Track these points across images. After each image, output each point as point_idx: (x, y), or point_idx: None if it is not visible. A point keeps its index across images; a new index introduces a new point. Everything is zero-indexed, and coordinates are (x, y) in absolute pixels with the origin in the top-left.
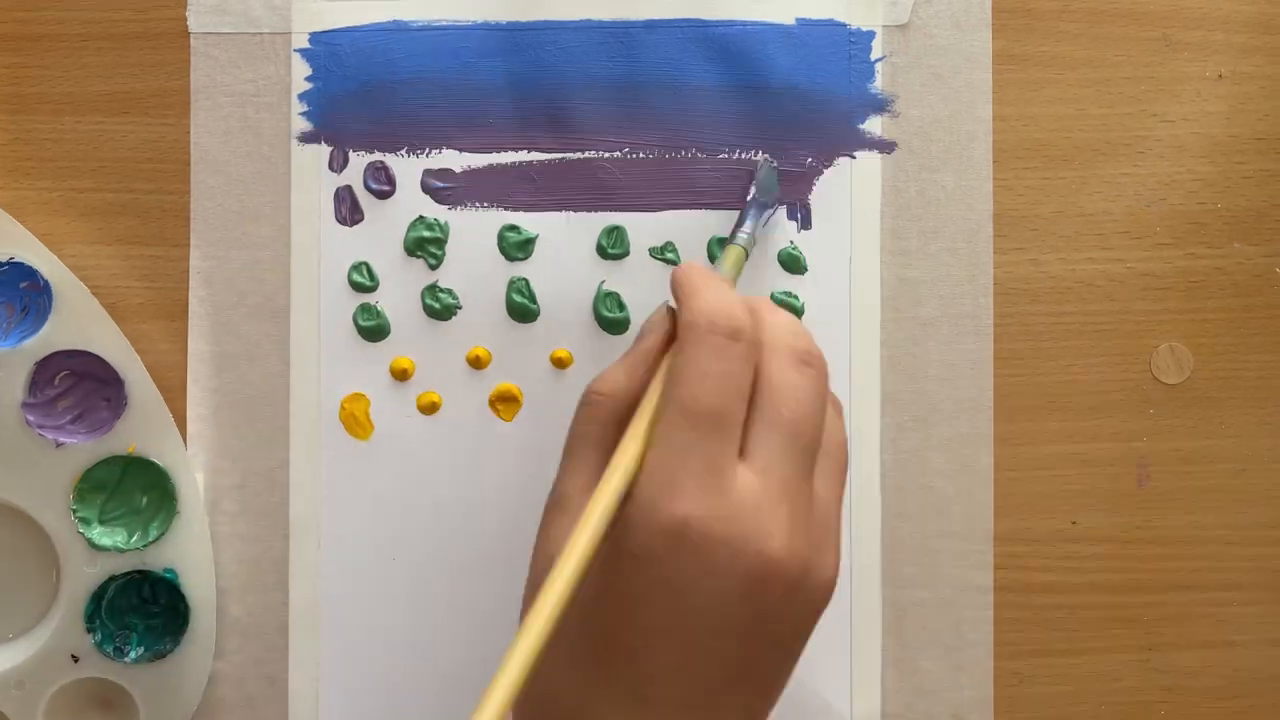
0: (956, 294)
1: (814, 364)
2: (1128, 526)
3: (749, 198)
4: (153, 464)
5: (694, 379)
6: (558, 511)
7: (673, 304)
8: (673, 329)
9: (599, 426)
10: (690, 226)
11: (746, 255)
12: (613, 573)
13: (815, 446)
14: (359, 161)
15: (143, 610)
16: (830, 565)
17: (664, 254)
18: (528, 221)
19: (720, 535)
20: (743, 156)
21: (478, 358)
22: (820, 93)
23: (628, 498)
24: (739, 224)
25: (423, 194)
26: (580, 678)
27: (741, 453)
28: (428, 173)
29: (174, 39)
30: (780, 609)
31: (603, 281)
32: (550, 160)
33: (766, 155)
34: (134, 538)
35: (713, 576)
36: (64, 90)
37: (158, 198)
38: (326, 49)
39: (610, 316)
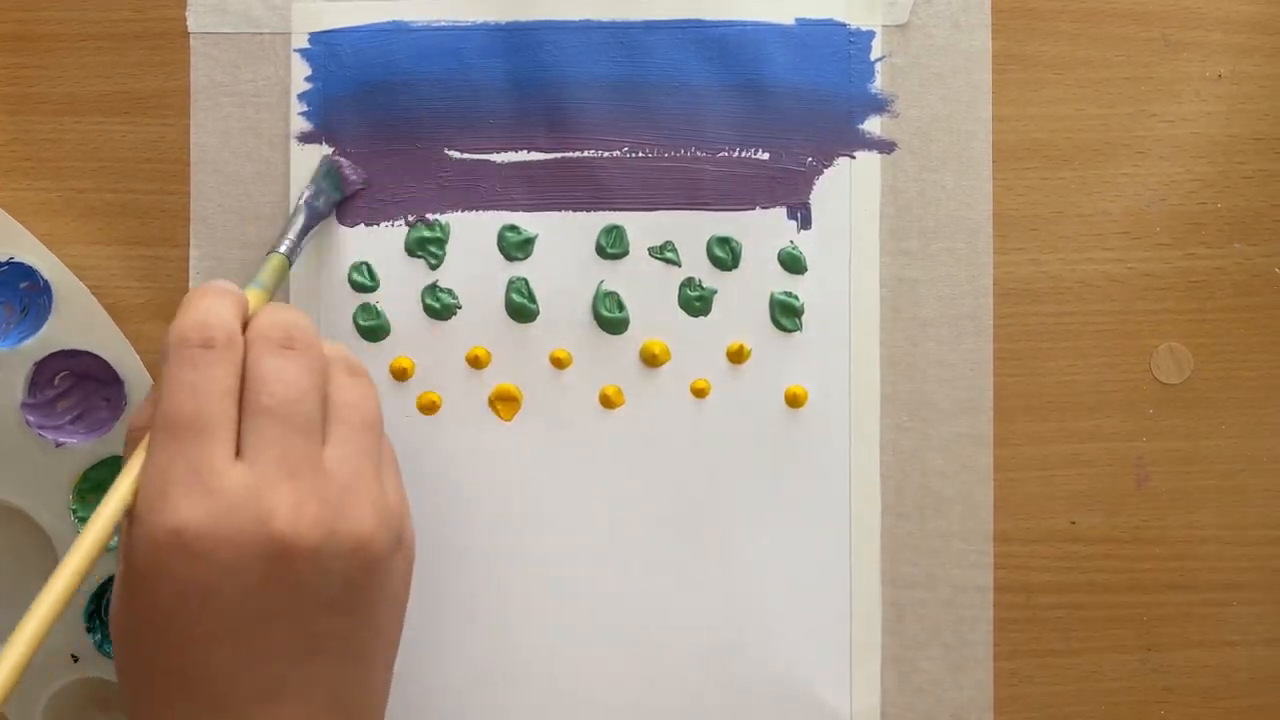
0: (956, 294)
1: (295, 344)
2: (1127, 527)
3: (300, 199)
4: None
5: (168, 394)
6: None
7: None
8: None
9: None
10: (690, 226)
11: (289, 264)
12: (136, 595)
13: (315, 420)
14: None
15: None
16: (363, 518)
17: (664, 254)
18: (527, 221)
19: (221, 535)
20: (743, 156)
21: (477, 357)
22: (820, 93)
23: (132, 519)
24: (286, 228)
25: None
26: (158, 706)
27: (239, 449)
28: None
29: (173, 39)
30: (319, 576)
31: (602, 281)
32: (550, 160)
33: (330, 152)
34: None
35: (229, 573)
36: (64, 90)
37: (157, 198)
38: (326, 49)
39: (610, 316)
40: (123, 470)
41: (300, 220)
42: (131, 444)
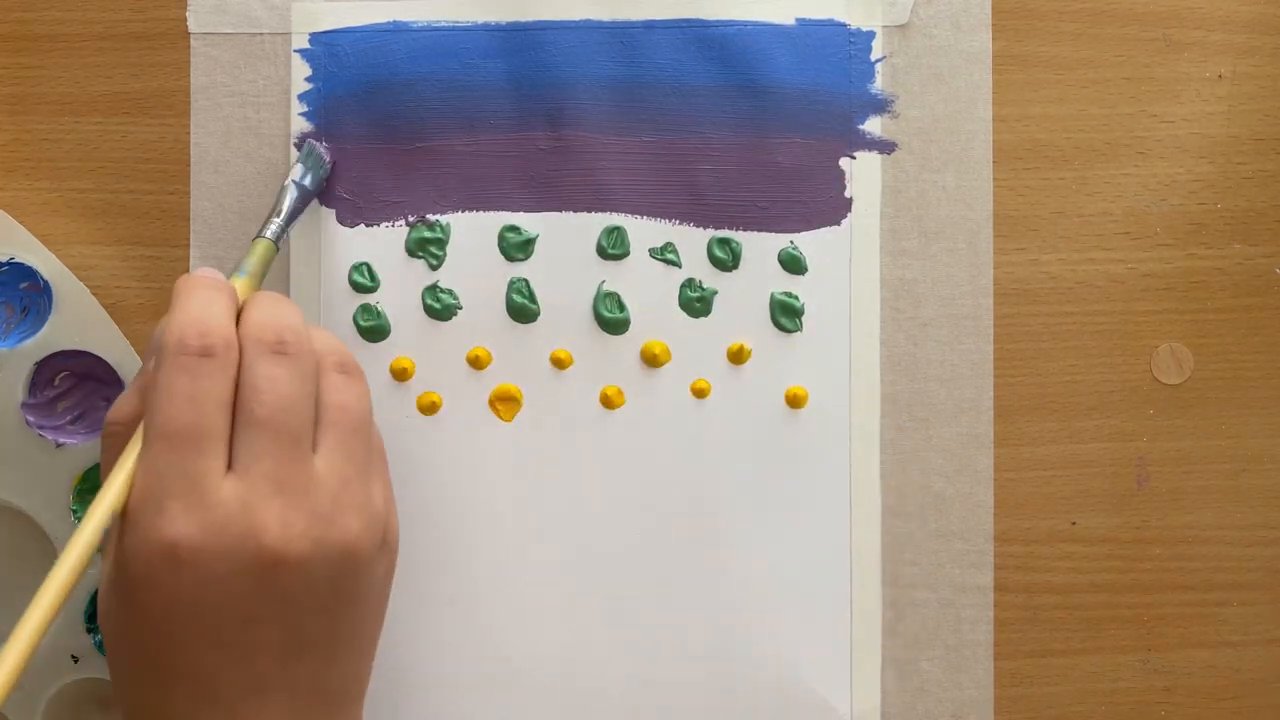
0: (956, 294)
1: (288, 349)
2: (1127, 527)
3: (285, 181)
4: None
5: (165, 400)
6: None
7: None
8: None
9: (115, 455)
10: (690, 227)
11: (276, 249)
12: (127, 599)
13: (305, 429)
14: None
15: None
16: (349, 526)
17: (664, 254)
18: (528, 222)
19: (214, 548)
20: (743, 156)
21: (478, 358)
22: (820, 93)
23: (124, 524)
24: (271, 213)
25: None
26: (147, 699)
27: (230, 459)
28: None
29: (174, 39)
30: (306, 584)
31: (603, 282)
32: (550, 161)
33: (313, 138)
34: None
35: (219, 583)
36: (64, 90)
37: (158, 198)
38: (326, 49)
39: (610, 317)
40: (112, 470)
41: (286, 203)
42: (111, 438)
